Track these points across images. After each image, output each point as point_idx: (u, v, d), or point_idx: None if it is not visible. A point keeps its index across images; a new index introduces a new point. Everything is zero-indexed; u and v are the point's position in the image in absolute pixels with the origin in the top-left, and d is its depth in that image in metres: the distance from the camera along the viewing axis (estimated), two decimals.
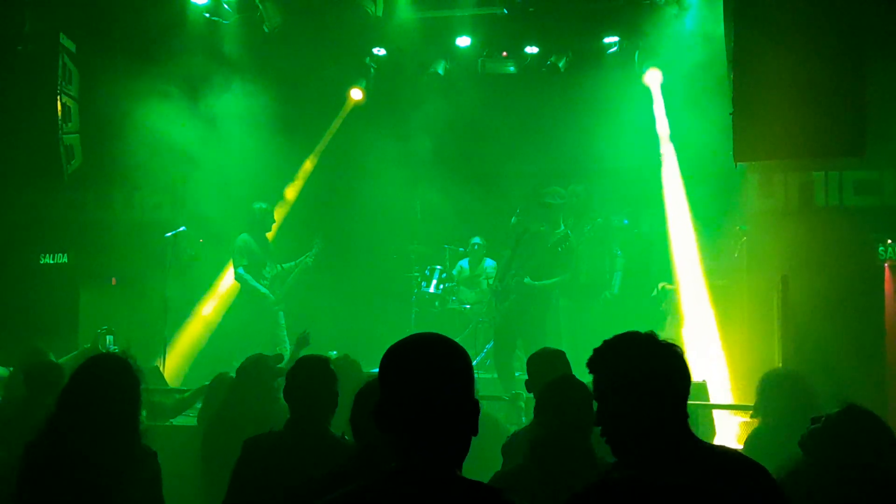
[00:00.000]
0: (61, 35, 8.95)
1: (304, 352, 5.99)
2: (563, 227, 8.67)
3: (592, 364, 2.52)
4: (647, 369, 2.43)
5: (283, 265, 9.54)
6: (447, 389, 2.05)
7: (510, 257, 8.81)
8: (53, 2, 8.80)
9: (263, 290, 9.19)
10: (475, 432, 2.09)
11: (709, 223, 9.22)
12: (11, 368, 6.21)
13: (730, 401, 7.78)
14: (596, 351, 2.52)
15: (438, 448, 2.04)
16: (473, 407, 2.09)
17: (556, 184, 9.38)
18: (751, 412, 5.81)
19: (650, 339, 2.49)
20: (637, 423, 2.42)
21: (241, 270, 9.15)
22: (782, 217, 8.07)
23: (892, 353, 7.44)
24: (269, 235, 9.61)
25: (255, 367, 5.19)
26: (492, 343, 9.49)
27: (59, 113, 8.86)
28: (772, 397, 5.07)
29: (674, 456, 2.40)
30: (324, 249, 9.70)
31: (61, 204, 9.17)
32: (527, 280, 8.46)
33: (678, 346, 2.49)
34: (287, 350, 8.48)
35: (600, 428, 2.50)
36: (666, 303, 9.27)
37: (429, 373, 2.05)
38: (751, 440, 5.08)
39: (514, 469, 3.87)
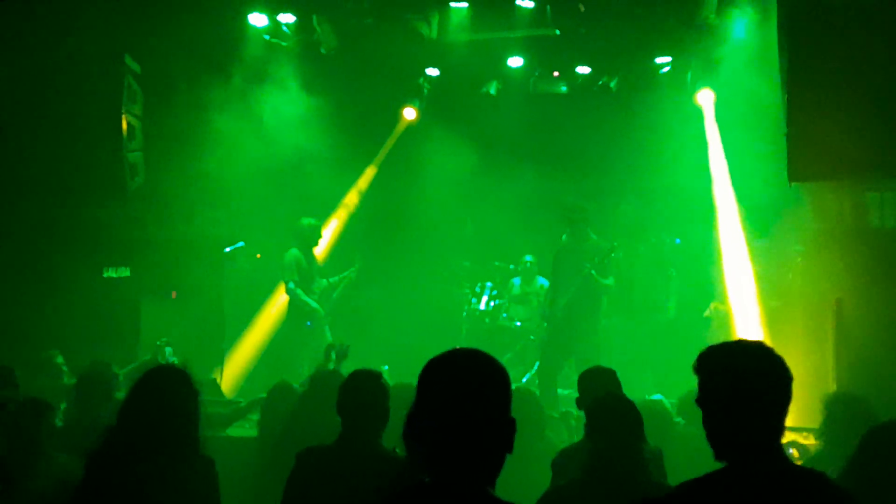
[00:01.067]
0: (126, 57, 9.24)
1: (353, 366, 6.10)
2: (594, 238, 8.67)
3: (696, 366, 2.54)
4: (737, 378, 2.43)
5: (329, 280, 9.68)
6: (479, 405, 2.04)
7: (554, 280, 8.87)
8: (119, 25, 9.08)
9: (314, 304, 9.31)
10: (509, 450, 2.07)
11: (762, 243, 9.14)
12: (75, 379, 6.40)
13: None
14: (701, 354, 2.54)
15: (467, 463, 2.02)
16: (508, 425, 2.07)
17: (608, 203, 9.45)
18: (804, 434, 5.78)
19: (757, 349, 2.50)
20: (725, 430, 2.44)
21: (291, 285, 9.26)
22: (836, 238, 7.95)
23: None
24: (320, 252, 9.75)
25: (330, 381, 5.29)
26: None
27: (124, 131, 9.15)
28: (839, 421, 5.01)
29: (750, 473, 2.40)
30: (365, 264, 9.83)
31: (124, 219, 9.41)
32: (594, 272, 8.43)
33: (784, 363, 2.48)
34: (332, 365, 8.61)
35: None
36: (718, 323, 9.21)
37: (460, 387, 2.05)
38: (812, 463, 5.02)
39: (568, 485, 3.92)
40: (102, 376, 5.57)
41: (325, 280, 9.63)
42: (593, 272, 8.40)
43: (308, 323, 9.28)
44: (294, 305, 9.39)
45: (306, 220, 9.57)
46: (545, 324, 9.05)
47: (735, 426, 2.43)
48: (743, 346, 2.56)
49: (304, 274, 9.35)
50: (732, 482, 2.40)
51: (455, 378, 2.07)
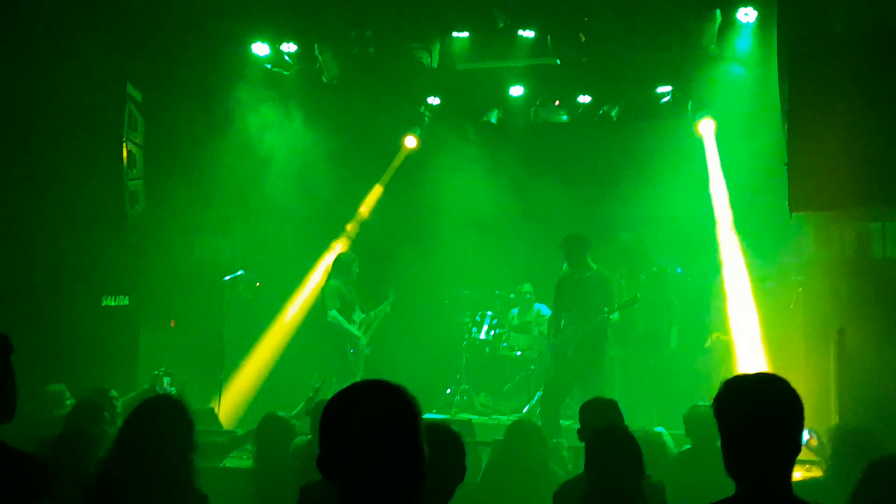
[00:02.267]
0: (128, 85, 9.27)
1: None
2: (595, 267, 8.66)
3: (718, 395, 2.56)
4: (758, 410, 2.45)
5: (369, 313, 9.80)
6: (383, 440, 1.95)
7: (556, 310, 8.85)
8: (121, 53, 9.12)
9: (356, 331, 9.52)
10: (419, 484, 1.98)
11: (764, 273, 9.11)
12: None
13: None
14: (724, 384, 2.57)
15: (378, 501, 1.94)
16: (415, 457, 1.98)
17: (609, 231, 9.46)
18: (806, 466, 5.73)
19: (776, 383, 2.52)
20: (741, 460, 2.46)
21: (334, 312, 9.44)
22: (838, 267, 7.92)
23: None
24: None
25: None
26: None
27: (125, 159, 9.15)
28: (844, 454, 4.98)
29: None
30: (399, 297, 9.96)
31: (124, 247, 9.39)
32: (609, 313, 8.53)
33: (800, 400, 2.49)
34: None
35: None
36: (720, 353, 9.16)
37: (362, 424, 1.96)
38: (807, 488, 4.95)
39: None
40: (94, 407, 5.50)
41: (363, 312, 9.75)
42: (610, 315, 8.53)
43: (352, 350, 9.48)
44: (336, 333, 9.48)
45: (344, 255, 9.90)
46: (548, 353, 9.00)
47: (751, 457, 2.45)
48: (763, 378, 2.60)
49: (346, 304, 9.51)
50: None
51: (359, 416, 1.97)
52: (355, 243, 11.20)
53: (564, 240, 8.64)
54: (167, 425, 3.63)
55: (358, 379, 7.48)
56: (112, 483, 3.56)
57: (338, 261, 9.83)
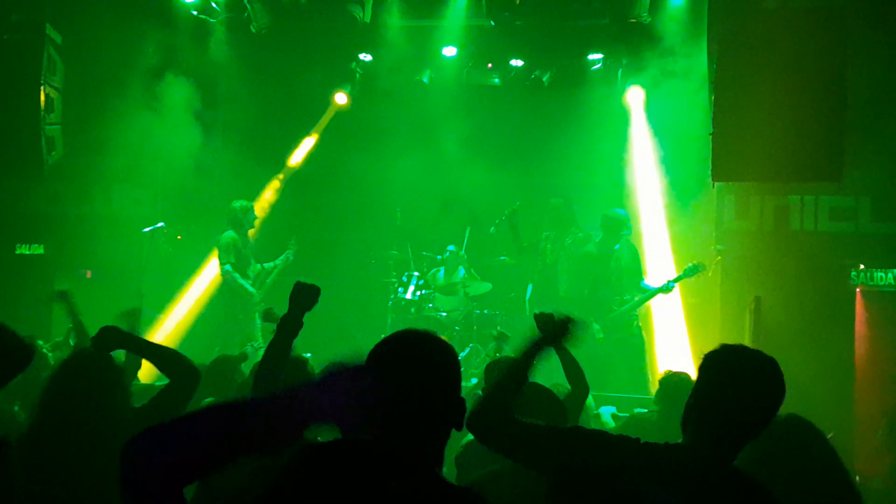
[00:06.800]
0: (48, 26, 8.92)
1: None
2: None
3: (708, 357, 2.63)
4: (731, 388, 2.54)
5: (265, 265, 9.44)
6: (424, 385, 2.04)
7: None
8: None
9: (250, 288, 9.05)
10: (458, 427, 2.09)
11: (684, 240, 9.30)
12: None
13: None
14: (722, 348, 2.64)
15: (414, 444, 2.01)
16: (454, 405, 2.09)
17: (537, 197, 9.53)
18: None
19: (739, 355, 2.61)
20: (697, 424, 2.55)
21: (228, 267, 8.96)
22: (757, 239, 8.16)
23: (861, 375, 7.57)
24: (251, 234, 9.52)
25: (219, 368, 5.24)
26: (466, 351, 9.62)
27: (42, 103, 8.82)
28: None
29: (706, 464, 2.49)
30: (300, 249, 9.63)
31: (40, 195, 9.10)
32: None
33: (765, 371, 2.56)
34: (262, 351, 8.44)
35: None
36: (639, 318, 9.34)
37: (404, 367, 2.05)
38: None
39: (491, 475, 3.86)
40: None
41: (259, 265, 9.39)
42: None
43: (240, 308, 9.04)
44: (229, 289, 9.09)
45: (238, 203, 9.25)
46: None
47: (716, 426, 2.52)
48: (762, 360, 2.63)
49: (241, 257, 9.10)
50: (687, 464, 2.50)
51: (402, 359, 2.07)
52: (280, 201, 11.02)
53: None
54: (97, 382, 3.55)
55: (256, 335, 7.42)
56: (45, 442, 3.47)
57: (232, 210, 9.17)
